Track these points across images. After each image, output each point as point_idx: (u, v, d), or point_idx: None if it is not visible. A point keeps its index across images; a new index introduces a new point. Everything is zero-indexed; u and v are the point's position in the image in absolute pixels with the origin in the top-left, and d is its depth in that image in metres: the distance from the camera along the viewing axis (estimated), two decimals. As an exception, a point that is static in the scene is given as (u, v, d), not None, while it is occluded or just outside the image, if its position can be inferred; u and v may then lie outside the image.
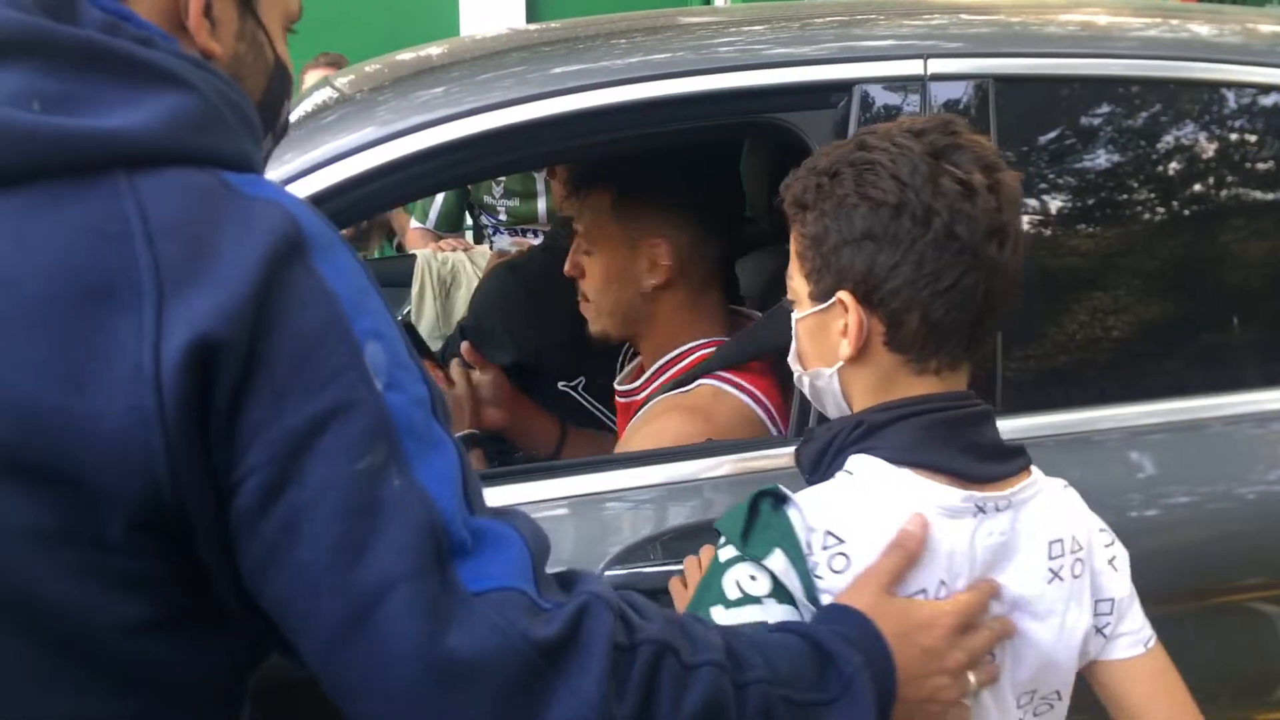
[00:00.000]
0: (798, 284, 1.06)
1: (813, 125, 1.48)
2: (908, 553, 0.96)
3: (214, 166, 0.74)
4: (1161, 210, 1.65)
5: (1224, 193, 1.66)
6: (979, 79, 1.52)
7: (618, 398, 1.81)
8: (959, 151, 0.98)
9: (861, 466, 1.01)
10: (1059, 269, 1.60)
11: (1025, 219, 1.50)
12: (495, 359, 2.20)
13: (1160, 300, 1.64)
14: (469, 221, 3.70)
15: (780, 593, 0.95)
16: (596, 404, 2.18)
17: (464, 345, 1.93)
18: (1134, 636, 1.08)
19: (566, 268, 1.74)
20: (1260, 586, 1.61)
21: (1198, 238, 1.66)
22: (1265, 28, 1.74)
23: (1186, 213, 1.65)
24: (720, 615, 0.94)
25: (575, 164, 1.78)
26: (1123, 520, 1.23)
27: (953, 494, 0.99)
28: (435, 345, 2.94)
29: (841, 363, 1.02)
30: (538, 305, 2.16)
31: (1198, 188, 1.65)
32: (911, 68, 1.51)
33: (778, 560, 0.95)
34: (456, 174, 1.75)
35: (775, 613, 0.94)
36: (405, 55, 1.83)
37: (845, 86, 1.49)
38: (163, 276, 0.69)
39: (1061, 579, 1.03)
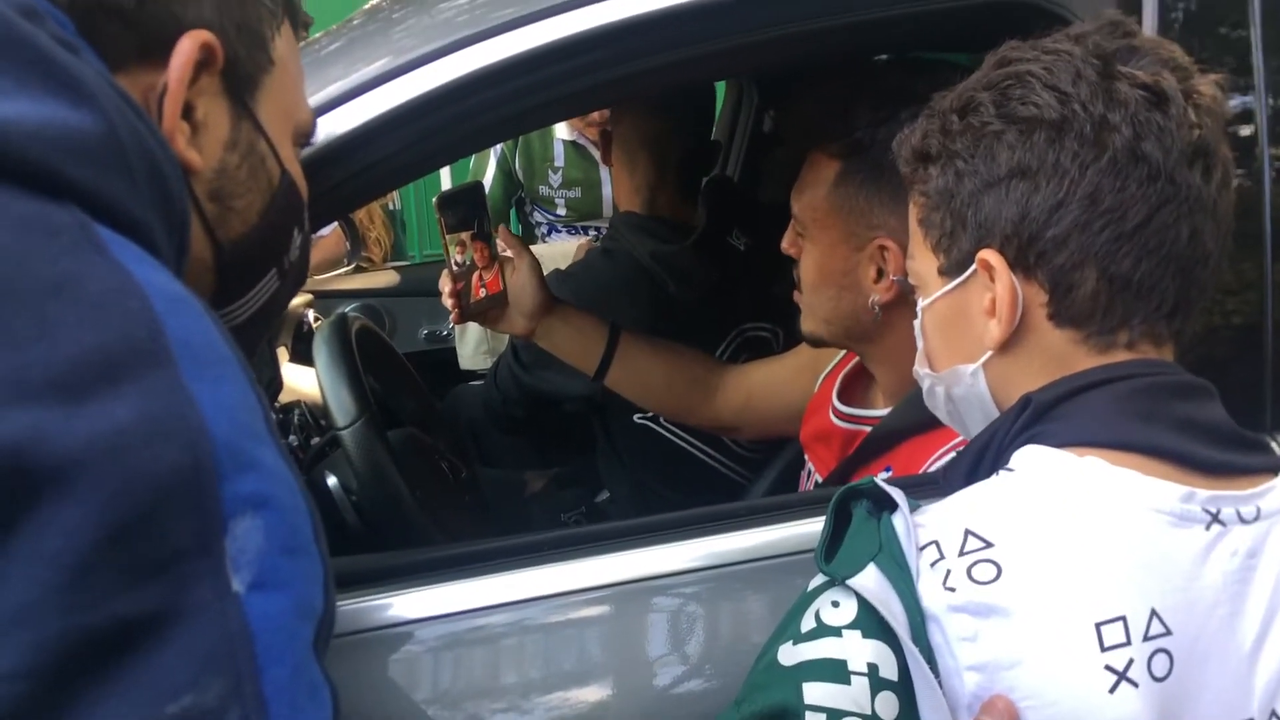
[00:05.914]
0: (920, 264, 0.85)
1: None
2: None
3: (82, 209, 0.57)
4: None
5: None
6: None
7: (833, 416, 1.38)
8: (1135, 54, 0.76)
9: (1027, 460, 0.76)
10: None
11: None
12: (546, 389, 1.84)
13: None
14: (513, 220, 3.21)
15: (869, 624, 0.69)
16: (685, 435, 1.83)
17: (501, 229, 1.50)
18: None
19: (784, 243, 1.31)
20: None
21: None
22: None
23: None
24: (786, 654, 0.70)
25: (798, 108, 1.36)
26: None
27: (1168, 490, 0.72)
28: (482, 363, 2.50)
29: (990, 353, 0.80)
30: None
31: None
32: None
33: (869, 578, 0.70)
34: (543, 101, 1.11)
35: (859, 650, 0.69)
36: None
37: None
38: None
39: None
